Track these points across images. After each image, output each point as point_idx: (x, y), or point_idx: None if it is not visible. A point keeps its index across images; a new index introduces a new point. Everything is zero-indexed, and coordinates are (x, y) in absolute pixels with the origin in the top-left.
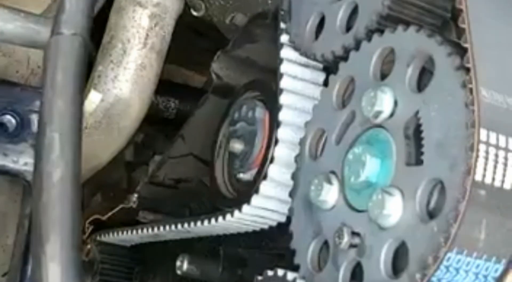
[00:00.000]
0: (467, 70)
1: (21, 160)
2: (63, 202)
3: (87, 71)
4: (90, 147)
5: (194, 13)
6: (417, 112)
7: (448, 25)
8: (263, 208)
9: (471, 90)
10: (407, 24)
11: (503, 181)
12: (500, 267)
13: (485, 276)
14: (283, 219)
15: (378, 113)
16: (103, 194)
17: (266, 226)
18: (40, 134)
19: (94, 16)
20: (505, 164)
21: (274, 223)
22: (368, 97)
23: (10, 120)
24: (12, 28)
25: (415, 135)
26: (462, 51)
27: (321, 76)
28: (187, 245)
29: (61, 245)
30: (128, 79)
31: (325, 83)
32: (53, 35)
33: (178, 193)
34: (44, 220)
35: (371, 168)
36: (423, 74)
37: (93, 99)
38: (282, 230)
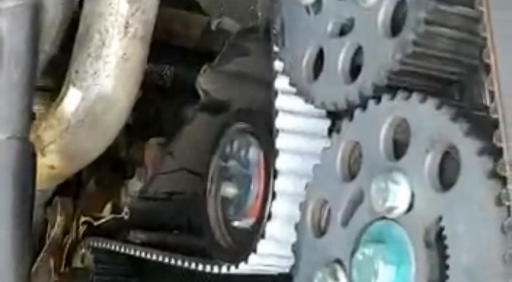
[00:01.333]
0: (503, 179)
1: None
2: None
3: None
4: (74, 146)
5: None
6: (440, 218)
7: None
8: (261, 264)
9: (508, 209)
10: (425, 78)
11: None
12: None
13: None
14: (284, 270)
15: (392, 208)
16: (97, 181)
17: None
18: None
19: None
20: None
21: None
22: (378, 188)
23: None
24: None
25: (438, 245)
26: (495, 149)
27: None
28: (186, 276)
29: None
30: (109, 73)
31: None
32: None
33: (172, 206)
34: None
35: (385, 277)
36: (449, 160)
37: (72, 98)
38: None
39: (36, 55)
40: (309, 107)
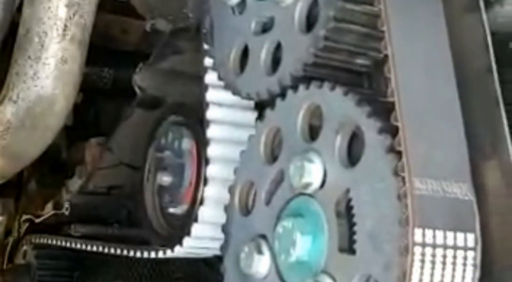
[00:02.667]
0: (399, 153)
1: None
2: None
3: None
4: (16, 146)
5: None
6: (348, 190)
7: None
8: (196, 247)
9: (403, 179)
10: (337, 70)
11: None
12: None
13: None
14: (218, 252)
15: (307, 184)
16: (38, 181)
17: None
18: None
19: None
20: (444, 263)
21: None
22: (295, 166)
23: None
24: None
25: (347, 215)
26: (393, 128)
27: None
28: (126, 267)
29: None
30: (48, 75)
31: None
32: None
33: (112, 200)
34: None
35: (302, 247)
36: (356, 141)
37: (12, 99)
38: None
39: None
40: (237, 100)
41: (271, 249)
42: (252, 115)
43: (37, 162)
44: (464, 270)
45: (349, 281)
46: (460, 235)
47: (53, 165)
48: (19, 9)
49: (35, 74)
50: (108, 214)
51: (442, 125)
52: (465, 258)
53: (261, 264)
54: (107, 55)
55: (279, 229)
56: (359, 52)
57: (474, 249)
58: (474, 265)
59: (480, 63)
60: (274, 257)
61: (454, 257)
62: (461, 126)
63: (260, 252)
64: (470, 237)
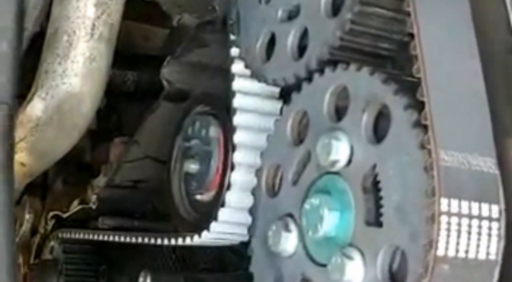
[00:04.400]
0: (425, 127)
1: None
2: None
3: None
4: (43, 143)
5: None
6: (374, 166)
7: None
8: (223, 233)
9: (429, 152)
10: (362, 54)
11: (467, 251)
12: None
13: None
14: (244, 239)
15: (334, 162)
16: (64, 181)
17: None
18: None
19: None
20: (469, 232)
21: (235, 242)
22: (322, 144)
23: None
24: None
25: (374, 190)
26: (419, 104)
27: (278, 89)
28: (152, 257)
29: None
30: (77, 73)
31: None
32: None
33: (138, 194)
34: None
35: (329, 222)
36: (382, 119)
37: (42, 96)
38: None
39: (22, 31)
40: (262, 89)
41: (298, 227)
42: (276, 104)
43: (62, 163)
44: (489, 240)
45: (376, 252)
46: (484, 206)
47: (78, 166)
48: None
49: (64, 72)
50: (134, 208)
51: (467, 101)
52: (489, 228)
53: (289, 241)
54: (130, 59)
55: (307, 206)
56: (384, 35)
57: (498, 220)
58: (499, 236)
59: (502, 44)
60: (301, 234)
61: (479, 227)
62: (485, 102)
63: (287, 230)
64: (495, 208)
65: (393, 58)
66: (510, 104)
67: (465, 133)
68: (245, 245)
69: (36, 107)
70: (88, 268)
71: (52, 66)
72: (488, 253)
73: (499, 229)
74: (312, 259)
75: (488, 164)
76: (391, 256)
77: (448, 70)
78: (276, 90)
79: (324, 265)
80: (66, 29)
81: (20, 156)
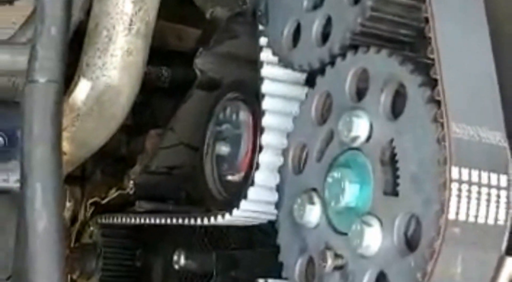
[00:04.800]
0: (438, 103)
1: (11, 178)
2: (47, 253)
3: None
4: (84, 133)
5: None
6: (391, 140)
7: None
8: (252, 211)
9: (442, 125)
10: (382, 39)
11: (477, 216)
12: None
13: None
14: (273, 217)
15: (355, 138)
16: (102, 171)
17: (257, 223)
18: (22, 185)
19: None
20: (478, 199)
21: (264, 221)
22: (344, 122)
23: None
24: None
25: (391, 162)
26: (433, 82)
27: (303, 76)
28: (185, 237)
29: None
30: (116, 66)
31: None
32: (27, 83)
33: (172, 179)
34: (31, 271)
35: (350, 194)
36: (399, 98)
37: (83, 88)
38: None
39: (69, 17)
40: (288, 75)
41: (321, 199)
42: (302, 89)
43: (100, 156)
44: (497, 207)
45: (393, 219)
46: (493, 176)
47: (115, 159)
48: None
49: (103, 65)
50: (169, 193)
51: (477, 79)
52: (498, 196)
53: (313, 213)
54: (165, 56)
55: (329, 179)
56: (403, 22)
57: (506, 189)
58: (507, 203)
59: None
60: (324, 206)
61: (488, 194)
62: (495, 80)
63: (311, 202)
64: (503, 178)
65: (411, 43)
66: None
67: (476, 108)
68: (272, 224)
69: (77, 98)
70: (125, 251)
71: (92, 59)
72: (496, 219)
73: (507, 197)
74: (334, 229)
75: (497, 138)
76: (407, 223)
77: (460, 50)
78: (302, 76)
79: (345, 234)
80: (106, 25)
81: (62, 145)
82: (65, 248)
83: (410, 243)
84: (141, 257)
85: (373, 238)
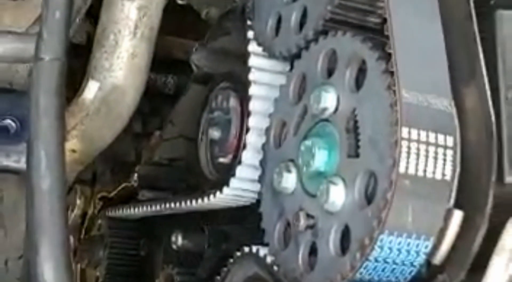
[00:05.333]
0: (392, 73)
1: (22, 160)
2: (51, 211)
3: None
4: (92, 131)
5: (179, 2)
6: (354, 109)
7: None
8: (241, 189)
9: (394, 92)
10: (351, 26)
11: (425, 171)
12: (429, 244)
13: (417, 252)
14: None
15: (324, 109)
16: (111, 171)
17: (247, 203)
18: (29, 151)
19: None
20: (426, 156)
21: (253, 201)
22: (315, 96)
23: (10, 123)
24: (1, 50)
25: (354, 129)
26: (389, 56)
27: (286, 67)
28: (182, 221)
29: (51, 246)
30: (121, 67)
31: None
32: (35, 61)
33: (173, 171)
34: (36, 227)
35: (319, 159)
36: (363, 74)
37: (91, 88)
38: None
39: (72, 2)
40: (273, 66)
41: (297, 168)
42: (284, 78)
43: (110, 159)
44: (444, 164)
45: (355, 178)
46: (441, 136)
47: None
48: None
49: (110, 67)
50: (170, 184)
51: (427, 53)
52: (444, 154)
53: (289, 180)
54: (170, 65)
55: (302, 147)
56: (369, 10)
57: (452, 148)
58: (453, 161)
59: (461, 12)
60: (299, 174)
61: (436, 152)
62: (444, 55)
63: (288, 170)
64: (450, 139)
65: (379, 30)
66: (466, 59)
67: (425, 78)
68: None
69: (86, 98)
70: (130, 241)
71: (100, 61)
72: (444, 174)
73: (453, 156)
74: (307, 192)
75: (444, 104)
76: (367, 180)
77: (412, 28)
78: (286, 67)
79: (315, 195)
80: (113, 29)
81: (72, 143)
82: (67, 206)
83: (369, 198)
84: (145, 246)
85: (338, 195)
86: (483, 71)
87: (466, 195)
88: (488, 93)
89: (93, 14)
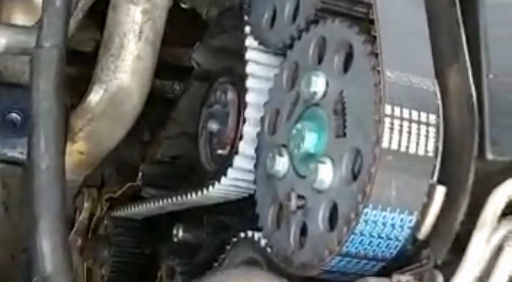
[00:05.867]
0: (377, 55)
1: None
2: (50, 186)
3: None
4: (99, 132)
5: (182, 6)
6: (342, 91)
7: None
8: (238, 179)
9: (379, 72)
10: (341, 15)
11: (408, 147)
12: (414, 218)
13: (401, 227)
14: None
15: (314, 93)
16: (117, 172)
17: (245, 195)
18: (30, 133)
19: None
20: (409, 133)
21: (251, 192)
22: (305, 81)
23: (16, 117)
24: (5, 42)
25: (342, 111)
26: (374, 39)
27: (281, 60)
28: (183, 216)
29: (49, 222)
30: (126, 69)
31: None
32: (35, 49)
33: (176, 168)
34: (36, 202)
35: (309, 141)
36: (350, 59)
37: (97, 90)
38: None
39: None
40: (269, 59)
41: (289, 152)
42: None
43: (116, 161)
44: (426, 140)
45: (342, 156)
46: (423, 114)
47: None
48: None
49: (116, 69)
50: (173, 182)
51: (411, 35)
52: (427, 131)
53: (281, 164)
54: (176, 71)
55: (293, 131)
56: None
57: (435, 125)
58: (436, 138)
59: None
60: (291, 158)
61: (418, 129)
62: (427, 38)
63: (280, 155)
64: (432, 116)
65: (366, 18)
66: (450, 42)
67: (408, 58)
68: None
69: (92, 100)
70: (134, 240)
71: (106, 64)
72: (426, 151)
73: (435, 133)
74: (298, 174)
75: (428, 84)
76: (353, 159)
77: (396, 11)
78: (281, 60)
79: (305, 176)
80: (118, 33)
81: (79, 145)
82: (64, 183)
83: (355, 175)
84: (149, 243)
85: (326, 173)
86: (465, 54)
87: (449, 171)
88: (471, 74)
89: (101, 22)
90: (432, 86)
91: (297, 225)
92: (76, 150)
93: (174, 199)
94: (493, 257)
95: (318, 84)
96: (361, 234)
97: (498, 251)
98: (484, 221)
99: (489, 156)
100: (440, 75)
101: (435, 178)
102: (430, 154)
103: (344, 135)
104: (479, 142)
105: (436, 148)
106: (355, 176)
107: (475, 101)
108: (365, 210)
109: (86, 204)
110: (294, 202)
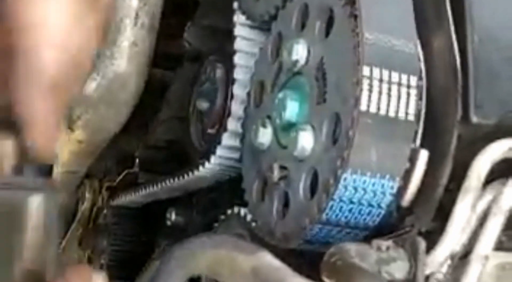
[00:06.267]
0: (356, 17)
1: None
2: None
3: None
4: (97, 120)
5: None
6: (322, 58)
7: None
8: (227, 158)
9: (358, 34)
10: None
11: (387, 110)
12: (395, 184)
13: (383, 193)
14: None
15: (296, 62)
16: (117, 162)
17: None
18: None
19: None
20: (389, 95)
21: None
22: (287, 49)
23: None
24: None
25: (322, 78)
26: (354, 2)
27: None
28: (177, 199)
29: None
30: (123, 56)
31: None
32: None
33: (169, 153)
34: None
35: (290, 110)
36: (332, 24)
37: (94, 77)
38: None
39: None
40: (257, 35)
41: (273, 124)
42: None
43: (118, 154)
44: (407, 103)
45: (322, 122)
46: (404, 76)
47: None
48: None
49: (112, 55)
50: (168, 167)
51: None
52: (408, 93)
53: (265, 136)
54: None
55: (276, 101)
56: None
57: (416, 87)
58: (417, 101)
59: None
60: (274, 129)
61: (399, 91)
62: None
63: (264, 126)
64: (413, 78)
65: None
66: (434, 8)
67: (389, 20)
68: None
69: (90, 87)
70: (130, 227)
71: (102, 50)
72: (407, 113)
73: (417, 95)
74: (281, 145)
75: (409, 46)
76: (333, 124)
77: None
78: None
79: (287, 147)
80: (115, 18)
81: (78, 134)
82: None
83: (335, 141)
84: (146, 232)
85: (306, 140)
86: (449, 18)
87: (432, 135)
88: (454, 37)
89: None
90: (413, 48)
91: (280, 196)
92: (75, 139)
93: (167, 182)
94: (478, 225)
95: (299, 51)
96: (341, 200)
97: (484, 217)
98: (469, 187)
99: (473, 119)
100: (423, 39)
101: (417, 143)
102: (411, 117)
103: (325, 101)
104: (463, 106)
105: (419, 111)
106: (334, 142)
107: (459, 64)
108: (344, 175)
109: (87, 195)
110: (276, 173)
